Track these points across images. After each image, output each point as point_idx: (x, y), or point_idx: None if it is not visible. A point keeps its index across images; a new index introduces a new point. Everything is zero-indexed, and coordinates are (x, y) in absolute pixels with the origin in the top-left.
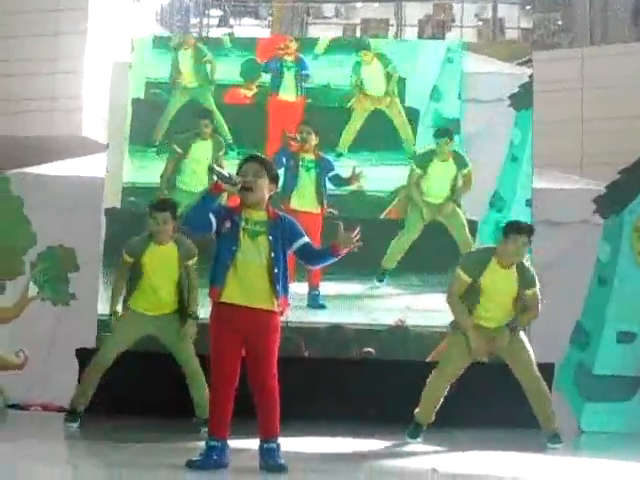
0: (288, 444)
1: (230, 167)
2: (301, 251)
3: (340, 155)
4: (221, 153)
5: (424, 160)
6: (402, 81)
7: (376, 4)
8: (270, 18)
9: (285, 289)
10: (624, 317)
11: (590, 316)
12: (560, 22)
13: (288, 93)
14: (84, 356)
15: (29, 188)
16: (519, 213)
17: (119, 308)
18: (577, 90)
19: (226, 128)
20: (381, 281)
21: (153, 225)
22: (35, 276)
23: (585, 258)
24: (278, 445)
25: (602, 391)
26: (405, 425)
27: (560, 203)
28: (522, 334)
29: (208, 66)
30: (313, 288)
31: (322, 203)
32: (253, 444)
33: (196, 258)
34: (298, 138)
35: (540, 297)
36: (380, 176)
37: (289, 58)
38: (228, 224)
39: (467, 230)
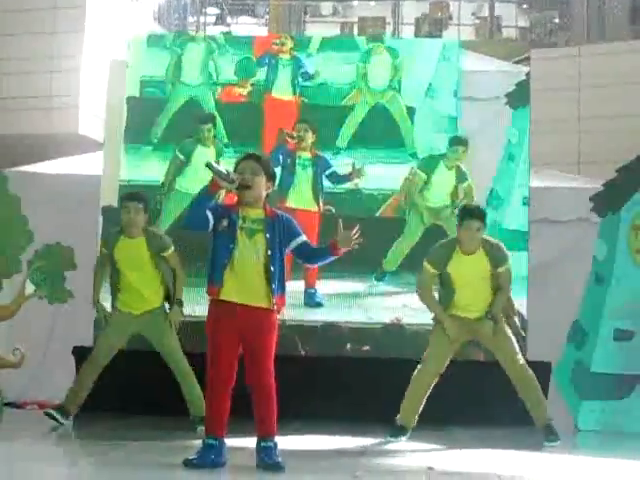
0: (285, 442)
1: (226, 166)
2: (299, 250)
3: (338, 152)
4: (222, 158)
5: (430, 164)
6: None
7: (373, 2)
8: (267, 16)
9: (282, 287)
10: (621, 315)
11: (587, 314)
12: (557, 20)
13: (284, 91)
14: (81, 354)
15: (26, 186)
16: (516, 211)
17: (106, 305)
18: (574, 88)
19: (223, 126)
20: (380, 280)
21: (124, 215)
22: (32, 274)
23: (582, 256)
24: (275, 443)
25: (599, 389)
26: None
27: (557, 201)
28: (504, 324)
29: (211, 63)
30: (310, 286)
31: (319, 201)
32: (250, 442)
33: (172, 248)
34: (295, 135)
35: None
36: (378, 174)
37: (285, 56)
38: (225, 222)
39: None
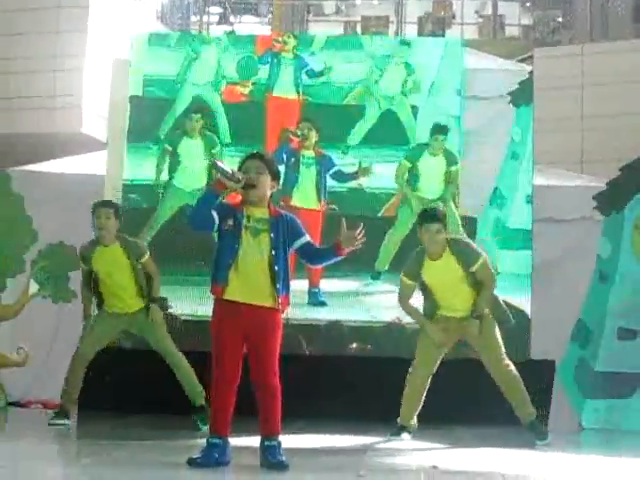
0: (289, 441)
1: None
2: (302, 250)
3: (347, 150)
4: (214, 150)
5: (415, 154)
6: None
7: (376, 1)
8: (270, 15)
9: (286, 287)
10: (625, 314)
11: (591, 313)
12: (560, 19)
13: (286, 90)
14: None
15: (30, 186)
16: (519, 210)
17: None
18: (577, 87)
19: (226, 126)
20: (376, 279)
21: (96, 220)
22: (36, 274)
23: (586, 255)
24: (279, 443)
25: (603, 388)
26: None
27: (561, 200)
28: (492, 322)
29: (217, 63)
30: (313, 285)
31: (322, 200)
32: (254, 442)
33: (148, 253)
34: (299, 133)
35: (489, 266)
36: (381, 173)
37: (287, 55)
38: (230, 222)
39: (460, 226)
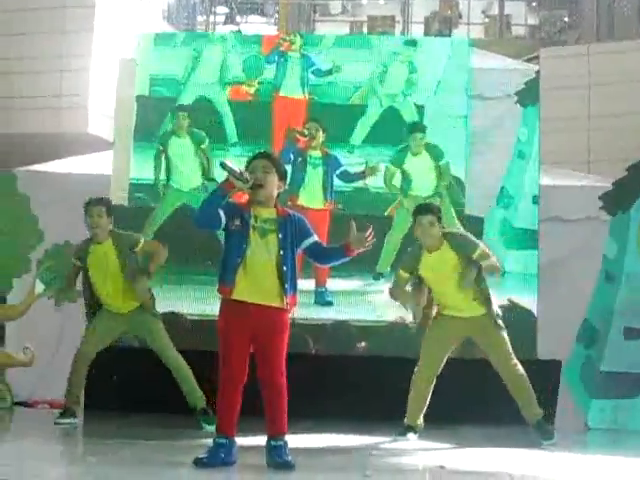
0: (295, 441)
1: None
2: (310, 250)
3: (352, 149)
4: (203, 146)
5: (399, 157)
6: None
7: (382, 1)
8: (277, 15)
9: (294, 287)
10: (631, 314)
11: (597, 313)
12: (567, 19)
13: (293, 90)
14: None
15: (36, 185)
16: (526, 210)
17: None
18: (584, 87)
19: (233, 124)
20: (377, 279)
21: (89, 220)
22: (42, 274)
23: (592, 255)
24: (285, 442)
25: (609, 388)
26: None
27: (567, 200)
28: (500, 322)
29: (223, 62)
30: (320, 285)
31: (329, 200)
32: (260, 441)
33: (142, 239)
34: (306, 133)
35: (489, 252)
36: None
37: (294, 54)
38: (238, 221)
39: (456, 220)
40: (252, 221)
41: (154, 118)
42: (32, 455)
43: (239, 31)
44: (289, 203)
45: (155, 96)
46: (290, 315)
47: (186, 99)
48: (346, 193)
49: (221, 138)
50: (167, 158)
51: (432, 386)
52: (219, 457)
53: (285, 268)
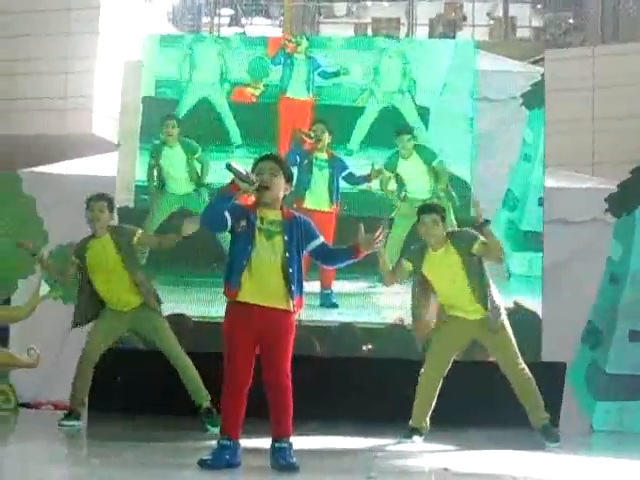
0: (300, 443)
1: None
2: (317, 251)
3: (351, 153)
4: (196, 156)
5: (391, 161)
6: (413, 80)
7: (387, 3)
8: (281, 17)
9: (300, 289)
10: (636, 316)
11: (602, 315)
12: (571, 21)
13: (299, 92)
14: None
15: (41, 187)
16: (531, 212)
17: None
18: (588, 89)
19: (235, 127)
20: (380, 281)
21: (90, 214)
22: (46, 275)
23: (596, 257)
24: (290, 444)
25: (614, 390)
26: None
27: (572, 202)
28: (507, 324)
29: (223, 63)
30: (326, 287)
31: (335, 202)
32: (265, 443)
33: (140, 231)
34: (312, 135)
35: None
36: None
37: (300, 56)
38: (244, 223)
39: (454, 220)
40: (258, 223)
41: (160, 120)
42: (36, 456)
43: (244, 33)
44: (295, 206)
45: (161, 97)
46: (296, 317)
47: (190, 101)
48: (351, 195)
49: (225, 140)
50: (159, 168)
51: (438, 388)
52: (223, 459)
53: (291, 270)
